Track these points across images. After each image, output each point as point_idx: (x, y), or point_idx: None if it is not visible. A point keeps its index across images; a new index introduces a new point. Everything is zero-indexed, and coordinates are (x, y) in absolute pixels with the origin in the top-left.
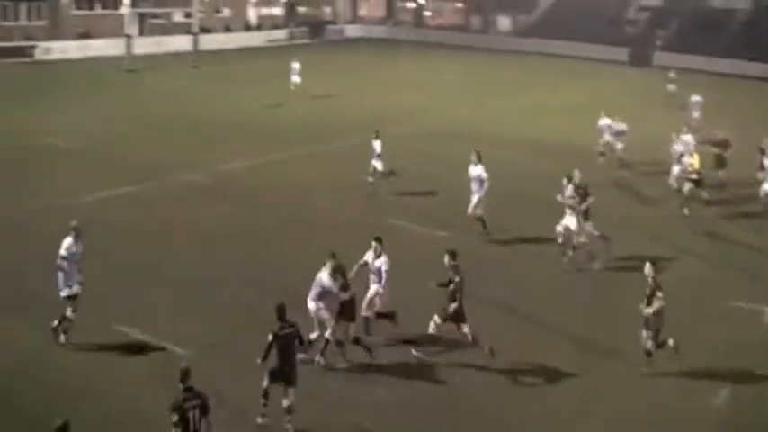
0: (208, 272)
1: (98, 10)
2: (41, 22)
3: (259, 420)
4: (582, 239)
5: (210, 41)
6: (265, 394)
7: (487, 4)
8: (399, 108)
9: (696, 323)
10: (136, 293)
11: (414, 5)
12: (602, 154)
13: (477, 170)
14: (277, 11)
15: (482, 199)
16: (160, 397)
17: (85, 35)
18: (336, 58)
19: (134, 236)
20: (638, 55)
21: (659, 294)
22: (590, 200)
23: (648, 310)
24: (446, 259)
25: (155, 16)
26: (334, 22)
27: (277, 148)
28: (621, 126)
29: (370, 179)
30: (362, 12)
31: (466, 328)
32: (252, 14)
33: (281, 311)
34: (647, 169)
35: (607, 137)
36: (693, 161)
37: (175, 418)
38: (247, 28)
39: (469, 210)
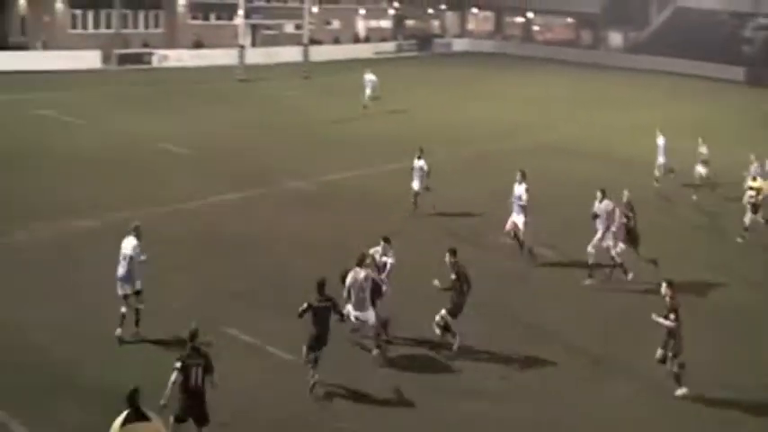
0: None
1: (212, 20)
2: (159, 30)
3: (311, 381)
4: (618, 258)
5: (320, 53)
6: (309, 361)
7: (599, 19)
8: (506, 123)
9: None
10: (247, 296)
11: (522, 20)
12: (664, 176)
13: (519, 189)
14: (385, 24)
15: (526, 221)
16: (270, 402)
17: (200, 44)
18: (443, 72)
19: (243, 240)
20: (755, 74)
21: (671, 316)
22: (621, 220)
23: (660, 320)
24: (447, 258)
25: (267, 27)
26: (441, 36)
27: (384, 158)
28: (703, 150)
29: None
30: (471, 26)
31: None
32: (361, 27)
33: (320, 286)
34: (731, 195)
35: (661, 159)
36: (756, 184)
37: (178, 365)
38: (356, 40)
39: (507, 226)
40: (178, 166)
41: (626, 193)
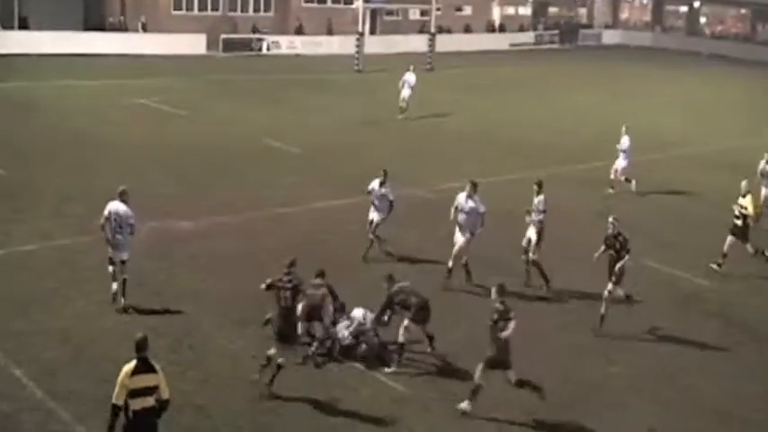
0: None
1: (329, 4)
2: (269, 14)
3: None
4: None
5: (448, 42)
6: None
7: None
8: (664, 131)
9: None
10: None
11: (686, 9)
12: None
13: (469, 203)
14: (524, 11)
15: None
16: None
17: (314, 30)
18: (590, 68)
19: (347, 257)
20: None
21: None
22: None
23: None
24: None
25: (389, 13)
26: (589, 26)
27: (517, 166)
28: None
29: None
30: (624, 15)
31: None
32: (496, 14)
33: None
34: None
35: None
36: (745, 202)
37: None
38: (490, 29)
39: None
40: (283, 165)
41: (611, 219)
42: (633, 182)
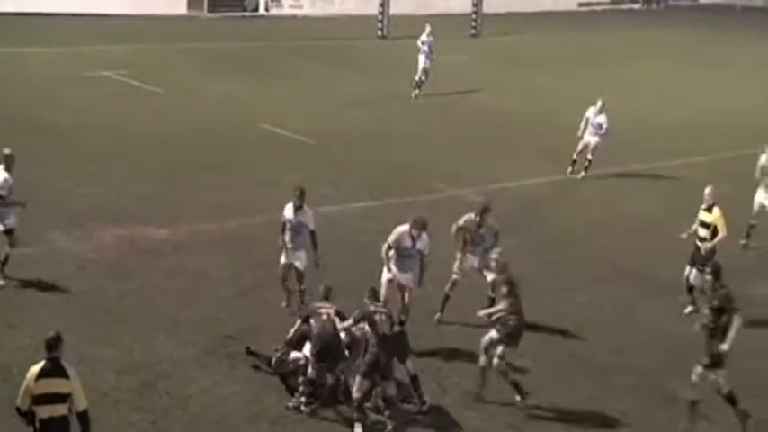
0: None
1: None
2: None
3: None
4: None
5: (497, 2)
6: None
7: None
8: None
9: None
10: None
11: None
12: None
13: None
14: None
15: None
16: None
17: None
18: (682, 36)
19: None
20: None
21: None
22: None
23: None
24: None
25: None
26: None
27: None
28: None
29: None
30: None
31: None
32: None
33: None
34: None
35: None
36: (710, 218)
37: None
38: None
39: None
40: (285, 158)
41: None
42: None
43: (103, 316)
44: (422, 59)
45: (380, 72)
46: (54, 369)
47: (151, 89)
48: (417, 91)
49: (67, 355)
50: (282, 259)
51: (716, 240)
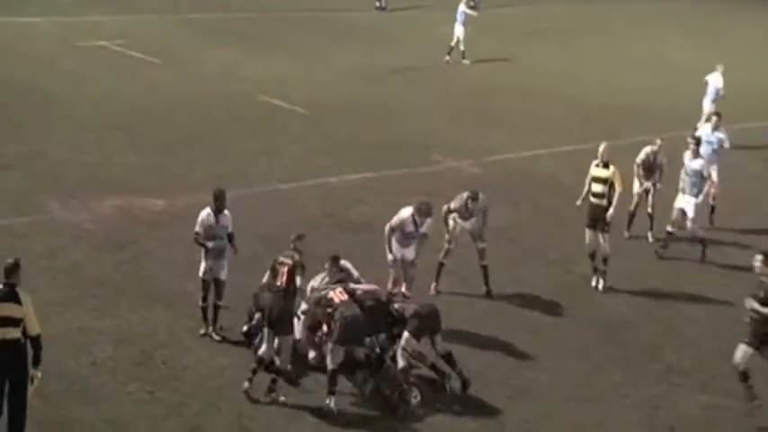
0: None
1: None
2: None
3: None
4: None
5: None
6: None
7: None
8: None
9: None
10: None
11: None
12: None
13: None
14: None
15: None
16: None
17: None
18: (690, 6)
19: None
20: None
21: None
22: None
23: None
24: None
25: None
26: None
27: (583, 134)
28: None
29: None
30: None
31: None
32: None
33: None
34: None
35: None
36: (605, 173)
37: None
38: None
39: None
40: (284, 130)
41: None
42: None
43: (101, 287)
44: (458, 28)
45: (379, 44)
46: (8, 294)
47: (149, 59)
48: (449, 57)
49: (66, 326)
50: (203, 273)
51: (616, 196)
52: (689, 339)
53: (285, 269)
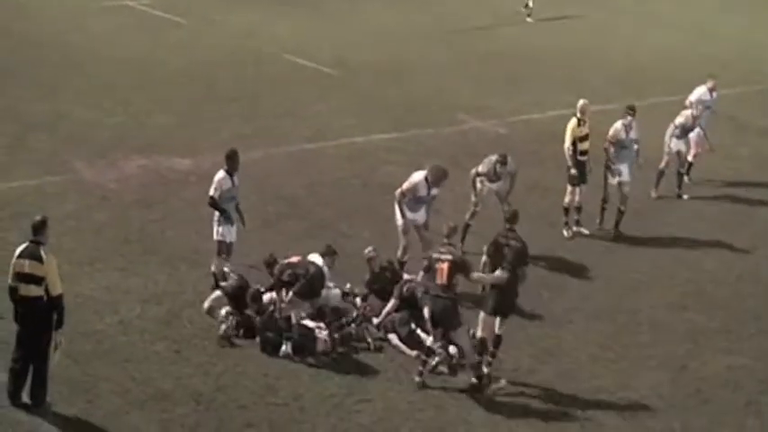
0: None
1: None
2: None
3: None
4: None
5: None
6: None
7: None
8: None
9: None
10: None
11: None
12: None
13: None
14: None
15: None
16: None
17: None
18: None
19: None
20: None
21: None
22: None
23: None
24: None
25: None
26: None
27: (610, 94)
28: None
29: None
30: None
31: None
32: None
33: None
34: None
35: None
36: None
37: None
38: None
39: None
40: (310, 89)
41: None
42: None
43: (128, 246)
44: None
45: (407, 3)
46: (32, 253)
47: (173, 19)
48: (525, 10)
49: (94, 285)
50: (229, 236)
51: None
52: (715, 300)
53: (445, 266)
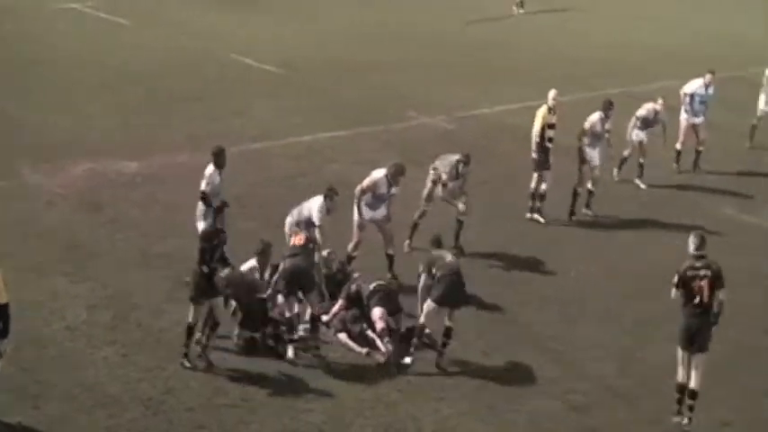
0: None
1: None
2: None
3: None
4: None
5: None
6: None
7: None
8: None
9: None
10: None
11: None
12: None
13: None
14: None
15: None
16: None
17: None
18: None
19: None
20: None
21: None
22: None
23: None
24: None
25: None
26: None
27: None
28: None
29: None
30: None
31: None
32: None
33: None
34: None
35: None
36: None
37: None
38: None
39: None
40: (257, 89)
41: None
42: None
43: (75, 251)
44: None
45: (352, 3)
46: None
47: (118, 20)
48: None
49: (40, 291)
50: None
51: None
52: (661, 289)
53: (705, 283)
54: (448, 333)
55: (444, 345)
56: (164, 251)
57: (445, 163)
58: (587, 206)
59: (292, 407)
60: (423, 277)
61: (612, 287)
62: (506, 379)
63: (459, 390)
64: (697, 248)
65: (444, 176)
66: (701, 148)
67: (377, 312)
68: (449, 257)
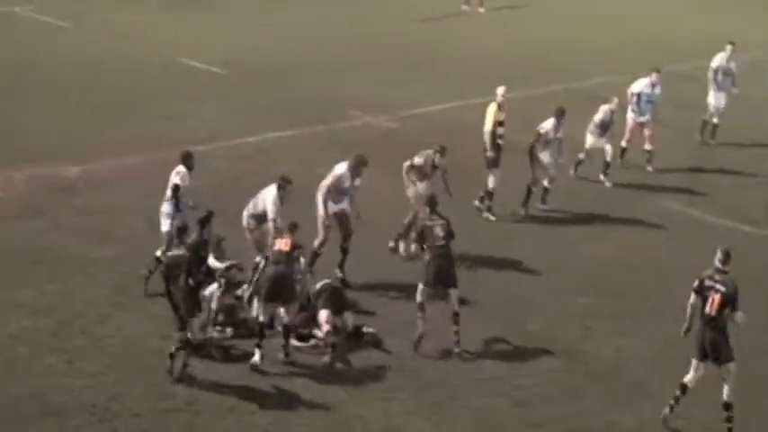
0: None
1: None
2: None
3: None
4: None
5: None
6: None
7: None
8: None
9: None
10: None
11: None
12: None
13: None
14: None
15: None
16: None
17: None
18: None
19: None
20: None
21: None
22: None
23: None
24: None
25: None
26: None
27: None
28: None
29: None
30: None
31: None
32: None
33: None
34: None
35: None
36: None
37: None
38: None
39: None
40: (200, 91)
41: None
42: None
43: (16, 258)
44: None
45: (296, 3)
46: None
47: (58, 23)
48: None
49: None
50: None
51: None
52: (606, 285)
53: (718, 297)
54: (456, 320)
55: (456, 333)
56: (106, 256)
57: (422, 156)
58: (543, 201)
59: (238, 409)
60: (413, 247)
61: (559, 282)
62: (452, 377)
63: (406, 389)
64: (721, 263)
65: (417, 161)
66: (649, 147)
67: (323, 315)
68: (438, 229)
